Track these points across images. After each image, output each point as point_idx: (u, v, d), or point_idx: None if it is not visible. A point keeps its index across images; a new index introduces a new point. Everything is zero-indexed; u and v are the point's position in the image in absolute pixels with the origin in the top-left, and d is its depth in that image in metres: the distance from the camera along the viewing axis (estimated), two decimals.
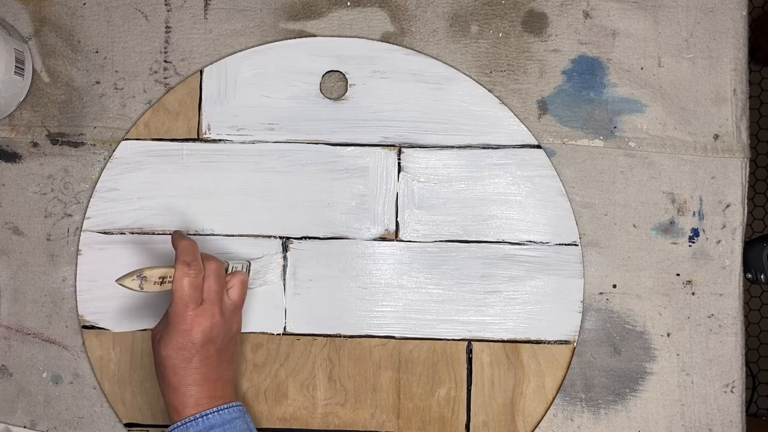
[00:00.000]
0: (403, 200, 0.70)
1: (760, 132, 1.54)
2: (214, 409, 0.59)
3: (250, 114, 0.71)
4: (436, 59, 0.70)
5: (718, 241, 0.68)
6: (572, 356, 0.68)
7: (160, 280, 0.61)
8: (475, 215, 0.69)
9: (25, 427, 0.71)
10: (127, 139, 0.71)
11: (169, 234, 0.70)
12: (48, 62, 0.72)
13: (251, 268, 0.68)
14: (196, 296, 0.60)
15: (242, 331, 0.70)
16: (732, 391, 0.68)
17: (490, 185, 0.70)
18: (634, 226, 0.69)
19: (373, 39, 0.71)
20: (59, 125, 0.72)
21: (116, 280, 0.61)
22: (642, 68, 0.69)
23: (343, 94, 0.71)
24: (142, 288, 0.61)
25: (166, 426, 0.70)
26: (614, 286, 0.69)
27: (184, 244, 0.61)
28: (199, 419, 0.58)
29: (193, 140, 0.71)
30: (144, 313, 0.70)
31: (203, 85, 0.71)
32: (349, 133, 0.70)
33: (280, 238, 0.70)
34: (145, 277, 0.61)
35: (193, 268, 0.60)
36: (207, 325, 0.59)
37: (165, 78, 0.72)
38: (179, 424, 0.59)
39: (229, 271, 0.65)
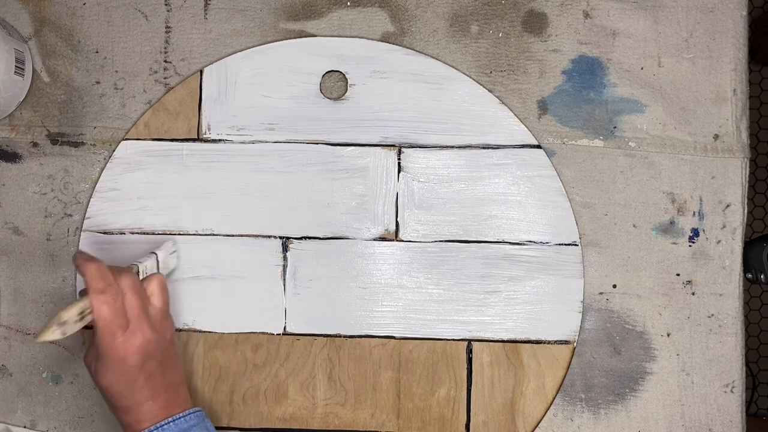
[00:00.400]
0: (403, 200, 0.70)
1: (760, 132, 1.54)
2: (170, 419, 0.58)
3: (250, 114, 0.71)
4: (436, 59, 0.70)
5: (718, 241, 0.68)
6: (572, 356, 0.68)
7: (80, 316, 0.56)
8: (475, 215, 0.69)
9: (25, 427, 0.71)
10: (127, 139, 0.71)
11: (169, 234, 0.70)
12: (48, 62, 0.72)
13: (159, 258, 0.66)
14: (120, 321, 0.56)
15: (242, 330, 0.70)
16: (732, 391, 0.68)
17: (490, 185, 0.70)
18: (634, 226, 0.69)
19: (373, 39, 0.71)
20: (59, 125, 0.72)
21: (36, 340, 0.55)
22: (642, 68, 0.69)
23: (343, 94, 0.71)
24: (65, 334, 0.56)
25: None
26: (614, 286, 0.69)
27: (91, 268, 0.56)
28: (154, 431, 0.57)
29: (193, 140, 0.71)
30: None
31: (203, 85, 0.71)
32: (349, 133, 0.70)
33: (280, 238, 0.70)
34: (65, 321, 0.55)
35: (108, 294, 0.56)
36: (140, 344, 0.57)
37: (165, 78, 0.72)
38: None
39: (141, 275, 0.62)
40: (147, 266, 0.64)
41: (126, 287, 0.58)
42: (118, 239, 0.71)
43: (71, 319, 0.55)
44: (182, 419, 0.59)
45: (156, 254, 0.66)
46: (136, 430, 0.58)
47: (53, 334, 0.55)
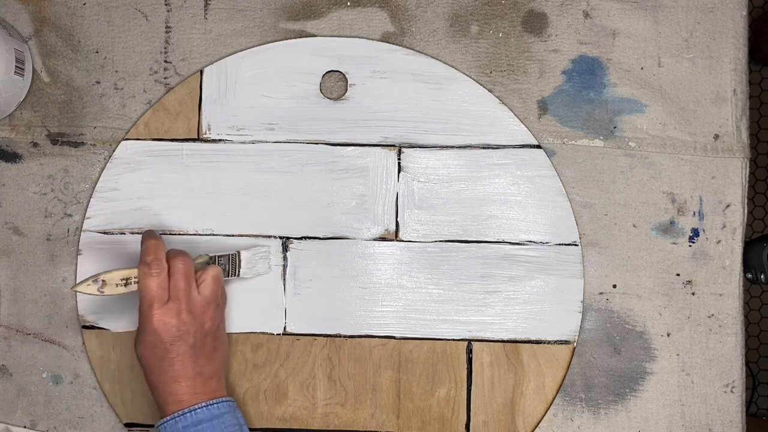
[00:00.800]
0: (403, 200, 0.70)
1: (760, 132, 1.54)
2: (203, 404, 0.59)
3: (250, 114, 0.71)
4: (436, 59, 0.70)
5: (718, 241, 0.68)
6: (572, 356, 0.68)
7: (123, 282, 0.62)
8: (475, 215, 0.69)
9: (25, 427, 0.71)
10: (127, 139, 0.71)
11: (170, 234, 0.70)
12: (48, 62, 0.72)
13: (242, 258, 0.67)
14: (161, 295, 0.60)
15: (242, 330, 0.70)
16: (732, 391, 0.68)
17: (490, 185, 0.70)
18: (634, 226, 0.69)
19: (373, 39, 0.71)
20: (59, 125, 0.72)
21: (72, 288, 0.61)
22: (642, 68, 0.69)
23: (343, 94, 0.71)
24: (102, 292, 0.61)
25: None
26: (614, 286, 0.69)
27: (149, 243, 0.62)
28: (188, 414, 0.59)
29: (193, 140, 0.71)
30: None
31: (203, 85, 0.71)
32: (349, 133, 0.70)
33: (280, 238, 0.70)
34: (104, 281, 0.61)
35: (154, 268, 0.60)
36: (173, 323, 0.60)
37: (165, 78, 0.72)
38: (168, 419, 0.59)
39: (210, 263, 0.65)
40: (221, 258, 0.66)
41: (177, 269, 0.61)
42: (118, 239, 0.71)
43: (112, 281, 0.61)
44: (215, 406, 0.60)
45: (239, 252, 0.67)
46: (164, 411, 0.60)
47: (88, 287, 0.61)
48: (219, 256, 0.66)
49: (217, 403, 0.60)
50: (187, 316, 0.61)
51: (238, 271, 0.67)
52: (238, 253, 0.67)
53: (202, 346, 0.62)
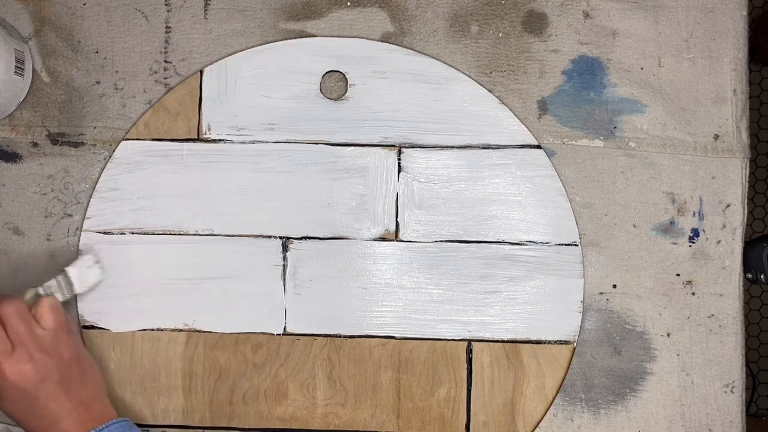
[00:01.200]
0: (403, 200, 0.70)
1: (760, 132, 1.54)
2: (95, 430, 0.58)
3: (250, 114, 0.71)
4: (436, 59, 0.70)
5: (718, 242, 0.68)
6: (572, 356, 0.68)
7: None
8: (475, 215, 0.69)
9: None
10: (127, 139, 0.71)
11: (170, 234, 0.70)
12: (48, 62, 0.72)
13: (69, 275, 0.66)
14: (3, 348, 0.57)
15: (242, 330, 0.70)
16: (732, 391, 0.68)
17: (490, 185, 0.70)
18: (634, 226, 0.69)
19: (373, 39, 0.71)
20: (59, 125, 0.72)
21: None
22: (642, 68, 0.69)
23: (343, 94, 0.71)
24: None
25: (167, 426, 0.70)
26: (614, 286, 0.69)
27: None
28: None
29: (193, 140, 0.71)
30: (144, 313, 0.70)
31: (203, 85, 0.71)
32: (349, 133, 0.70)
33: (280, 238, 0.70)
34: None
35: None
36: (28, 368, 0.57)
37: (165, 78, 0.72)
38: None
39: (41, 295, 0.63)
40: (51, 286, 0.64)
41: (8, 314, 0.58)
42: (118, 239, 0.71)
43: None
44: (105, 430, 0.58)
45: (65, 271, 0.66)
46: None
47: None
48: (46, 285, 0.64)
49: (107, 426, 0.59)
50: (40, 355, 0.58)
51: (72, 289, 0.66)
52: (64, 271, 0.66)
53: (70, 377, 0.60)
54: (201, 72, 0.71)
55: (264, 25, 0.71)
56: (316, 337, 0.70)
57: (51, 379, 0.58)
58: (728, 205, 0.69)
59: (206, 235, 0.70)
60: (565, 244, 0.69)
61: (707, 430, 0.68)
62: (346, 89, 0.71)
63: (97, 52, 0.72)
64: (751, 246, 0.69)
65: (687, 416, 0.68)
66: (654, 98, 0.69)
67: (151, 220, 0.71)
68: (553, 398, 0.68)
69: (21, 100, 0.72)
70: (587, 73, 0.70)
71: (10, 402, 0.58)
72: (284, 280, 0.70)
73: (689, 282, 0.68)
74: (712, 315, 0.68)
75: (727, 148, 0.69)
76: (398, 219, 0.70)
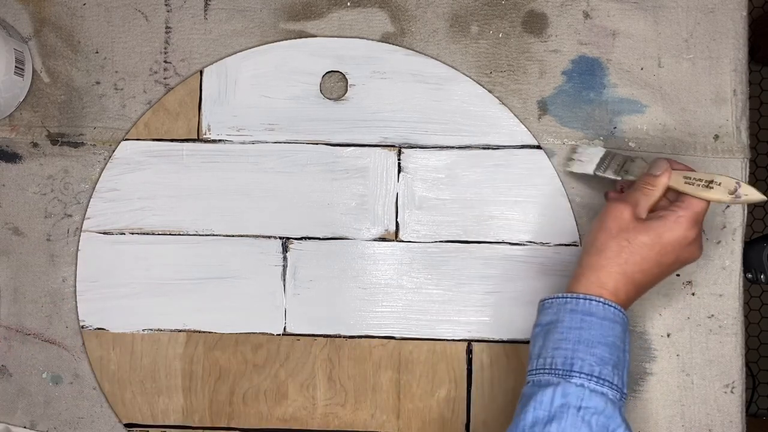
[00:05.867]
0: (403, 201, 0.70)
1: (760, 132, 1.54)
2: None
3: (250, 114, 0.71)
4: (436, 59, 0.70)
5: (718, 242, 0.68)
6: None
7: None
8: (475, 216, 0.69)
9: (25, 427, 0.71)
10: (127, 140, 0.71)
11: (170, 234, 0.70)
12: (48, 62, 0.72)
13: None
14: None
15: (242, 331, 0.70)
16: (732, 392, 0.68)
17: (490, 186, 0.70)
18: None
19: (373, 39, 0.71)
20: (59, 125, 0.72)
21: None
22: (642, 69, 0.69)
23: (343, 95, 0.71)
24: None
25: (167, 426, 0.70)
26: None
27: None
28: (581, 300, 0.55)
29: (193, 140, 0.71)
30: (144, 313, 0.70)
31: (203, 86, 0.71)
32: (349, 133, 0.70)
33: (280, 238, 0.70)
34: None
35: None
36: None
37: (165, 78, 0.72)
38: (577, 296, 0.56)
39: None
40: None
41: None
42: (118, 239, 0.71)
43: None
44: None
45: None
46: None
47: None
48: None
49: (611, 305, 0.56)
50: None
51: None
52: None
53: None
54: (201, 72, 0.71)
55: (264, 25, 0.71)
56: (316, 338, 0.70)
57: None
58: (728, 206, 0.69)
59: (206, 235, 0.70)
60: (565, 245, 0.69)
61: (707, 431, 0.68)
62: (346, 89, 0.71)
63: (97, 53, 0.72)
64: (751, 246, 0.69)
65: (687, 416, 0.68)
66: (654, 98, 0.69)
67: (151, 220, 0.71)
68: None
69: (21, 100, 0.72)
70: (587, 73, 0.70)
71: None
72: (284, 280, 0.70)
73: (689, 282, 0.68)
74: (712, 315, 0.68)
75: (727, 148, 0.69)
76: (398, 219, 0.70)
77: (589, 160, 0.66)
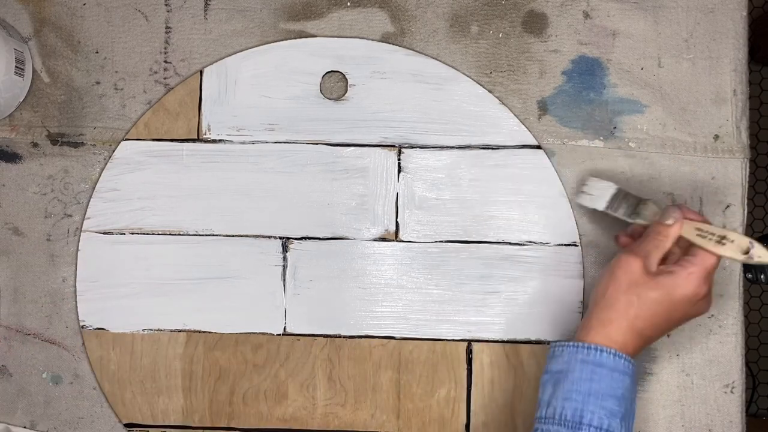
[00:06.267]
0: (403, 200, 0.70)
1: (760, 132, 1.54)
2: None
3: (250, 114, 0.71)
4: (436, 59, 0.70)
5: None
6: None
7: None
8: (475, 216, 0.69)
9: (25, 427, 0.71)
10: (127, 140, 0.71)
11: (170, 234, 0.70)
12: (48, 62, 0.72)
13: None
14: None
15: (242, 331, 0.70)
16: (732, 392, 0.68)
17: (490, 186, 0.70)
18: None
19: (373, 39, 0.71)
20: (59, 125, 0.72)
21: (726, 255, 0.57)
22: (642, 69, 0.69)
23: (343, 95, 0.71)
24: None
25: (167, 426, 0.70)
26: None
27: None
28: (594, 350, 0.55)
29: (193, 140, 0.71)
30: (144, 313, 0.70)
31: (203, 86, 0.71)
32: (349, 133, 0.70)
33: (280, 238, 0.70)
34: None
35: None
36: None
37: (165, 78, 0.72)
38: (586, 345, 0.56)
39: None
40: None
41: None
42: (118, 239, 0.71)
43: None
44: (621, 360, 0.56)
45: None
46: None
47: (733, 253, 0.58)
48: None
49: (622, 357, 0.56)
50: None
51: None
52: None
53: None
54: (201, 72, 0.71)
55: (264, 25, 0.71)
56: (316, 338, 0.70)
57: None
58: (728, 206, 0.69)
59: (206, 235, 0.70)
60: (565, 245, 0.69)
61: (707, 431, 0.68)
62: (346, 89, 0.71)
63: (97, 53, 0.72)
64: None
65: (687, 416, 0.68)
66: (654, 98, 0.69)
67: (151, 220, 0.71)
68: None
69: (21, 100, 0.72)
70: (587, 73, 0.70)
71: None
72: (284, 280, 0.70)
73: None
74: (712, 315, 0.68)
75: (727, 148, 0.69)
76: (398, 219, 0.70)
77: (600, 195, 0.64)
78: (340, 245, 0.70)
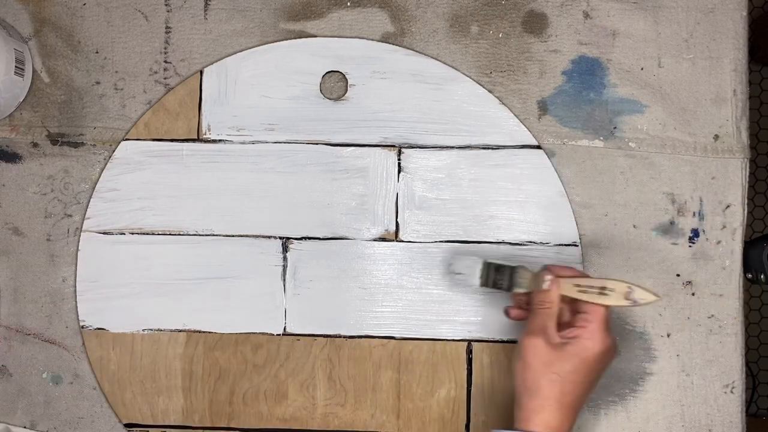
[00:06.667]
0: (403, 200, 0.70)
1: (760, 132, 1.54)
2: None
3: (250, 114, 0.71)
4: (436, 59, 0.70)
5: (718, 242, 0.68)
6: None
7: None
8: (476, 216, 0.69)
9: (25, 427, 0.71)
10: (127, 140, 0.71)
11: (170, 234, 0.70)
12: (48, 62, 0.72)
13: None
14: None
15: (242, 331, 0.70)
16: (732, 392, 0.68)
17: (490, 186, 0.70)
18: (634, 226, 0.69)
19: (373, 39, 0.71)
20: (59, 125, 0.72)
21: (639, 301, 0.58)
22: (642, 68, 0.69)
23: (343, 95, 0.71)
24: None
25: (167, 426, 0.70)
26: None
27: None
28: None
29: (193, 140, 0.71)
30: (144, 313, 0.70)
31: (203, 86, 0.71)
32: (349, 133, 0.70)
33: (280, 238, 0.70)
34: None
35: None
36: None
37: (165, 78, 0.72)
38: None
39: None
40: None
41: None
42: (118, 239, 0.71)
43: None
44: None
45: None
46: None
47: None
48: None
49: None
50: None
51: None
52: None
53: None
54: (201, 72, 0.71)
55: (264, 25, 0.71)
56: (316, 338, 0.70)
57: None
58: (728, 206, 0.69)
59: (206, 235, 0.70)
60: (565, 245, 0.69)
61: (707, 431, 0.68)
62: (346, 89, 0.71)
63: (97, 53, 0.72)
64: (751, 246, 0.69)
65: (687, 416, 0.68)
66: (654, 98, 0.69)
67: (151, 220, 0.71)
68: None
69: (21, 100, 0.72)
70: (587, 73, 0.70)
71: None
72: (284, 280, 0.70)
73: (689, 282, 0.68)
74: (712, 315, 0.68)
75: (727, 148, 0.69)
76: (398, 219, 0.70)
77: (470, 273, 0.63)
78: (340, 245, 0.70)
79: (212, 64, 0.71)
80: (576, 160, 0.69)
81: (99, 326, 0.70)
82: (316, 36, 0.71)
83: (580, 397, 0.59)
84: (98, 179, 0.71)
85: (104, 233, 0.71)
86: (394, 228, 0.70)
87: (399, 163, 0.70)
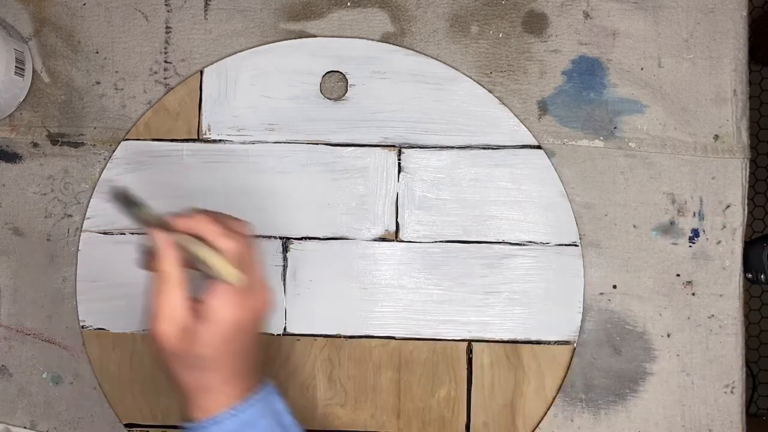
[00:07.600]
0: (403, 201, 0.70)
1: (760, 132, 1.54)
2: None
3: (250, 114, 0.71)
4: (436, 60, 0.70)
5: (719, 242, 0.68)
6: (572, 357, 0.68)
7: None
8: (476, 216, 0.69)
9: (25, 427, 0.71)
10: (127, 140, 0.71)
11: None
12: (48, 62, 0.72)
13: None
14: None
15: None
16: (732, 392, 0.68)
17: (490, 186, 0.70)
18: (634, 226, 0.69)
19: (373, 39, 0.71)
20: (59, 125, 0.72)
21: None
22: (642, 68, 0.69)
23: (343, 95, 0.71)
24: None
25: (166, 426, 0.70)
26: (614, 287, 0.69)
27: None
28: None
29: (194, 141, 0.71)
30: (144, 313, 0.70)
31: (203, 86, 0.71)
32: (349, 133, 0.70)
33: (280, 238, 0.70)
34: None
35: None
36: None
37: (165, 78, 0.72)
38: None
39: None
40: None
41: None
42: (119, 239, 0.71)
43: None
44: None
45: None
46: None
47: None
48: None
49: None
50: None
51: None
52: None
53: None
54: (201, 72, 0.71)
55: (264, 25, 0.71)
56: (316, 338, 0.70)
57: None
58: (728, 206, 0.69)
59: None
60: (565, 245, 0.69)
61: (707, 431, 0.68)
62: (346, 89, 0.71)
63: (97, 53, 0.72)
64: (751, 246, 0.69)
65: (687, 416, 0.68)
66: (654, 98, 0.69)
67: None
68: (553, 399, 0.68)
69: (21, 100, 0.72)
70: (587, 73, 0.70)
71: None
72: (284, 280, 0.70)
73: (689, 282, 0.68)
74: (712, 315, 0.68)
75: (727, 148, 0.69)
76: (398, 219, 0.70)
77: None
78: (340, 245, 0.70)
79: (212, 64, 0.71)
80: (576, 160, 0.69)
81: (99, 326, 0.70)
82: (316, 36, 0.71)
83: (243, 357, 0.53)
84: (98, 179, 0.71)
85: (104, 233, 0.71)
86: (395, 228, 0.70)
87: (399, 163, 0.70)
